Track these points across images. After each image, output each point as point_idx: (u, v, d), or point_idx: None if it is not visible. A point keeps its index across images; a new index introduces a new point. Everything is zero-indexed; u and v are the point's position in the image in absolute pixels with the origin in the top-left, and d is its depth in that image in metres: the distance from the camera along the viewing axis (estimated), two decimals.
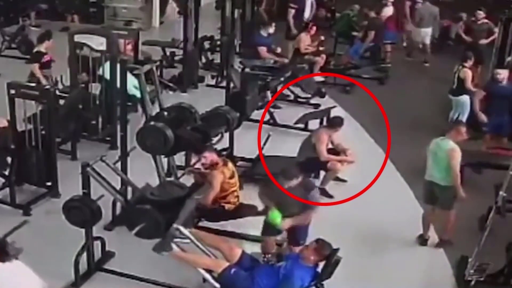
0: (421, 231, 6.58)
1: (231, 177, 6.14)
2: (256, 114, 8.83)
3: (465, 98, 9.18)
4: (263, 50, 10.55)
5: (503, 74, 8.57)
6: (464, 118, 9.23)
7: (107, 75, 8.14)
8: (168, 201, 5.52)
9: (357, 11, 13.16)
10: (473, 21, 11.84)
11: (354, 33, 12.82)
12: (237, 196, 6.26)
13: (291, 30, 12.26)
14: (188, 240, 5.32)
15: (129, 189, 6.16)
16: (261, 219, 6.21)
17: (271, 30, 10.80)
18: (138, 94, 7.34)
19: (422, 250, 6.46)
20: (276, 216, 5.50)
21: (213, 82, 10.95)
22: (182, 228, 5.26)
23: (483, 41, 11.29)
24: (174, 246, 5.29)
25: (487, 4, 12.18)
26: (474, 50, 10.01)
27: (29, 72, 8.73)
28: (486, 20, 11.48)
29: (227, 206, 6.18)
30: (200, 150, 6.27)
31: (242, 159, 7.74)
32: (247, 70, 10.02)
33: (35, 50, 9.00)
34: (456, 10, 13.30)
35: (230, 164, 6.20)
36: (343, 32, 13.00)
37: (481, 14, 11.52)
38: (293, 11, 12.63)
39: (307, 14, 12.97)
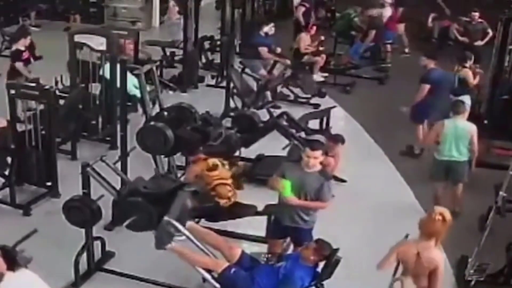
0: None
1: (210, 170, 6.08)
2: None
3: (466, 98, 9.18)
4: (264, 50, 10.52)
5: (424, 61, 8.47)
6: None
7: (107, 75, 8.14)
8: (160, 193, 5.51)
9: (359, 12, 13.13)
10: (468, 21, 11.87)
11: (353, 33, 12.83)
12: (231, 191, 6.23)
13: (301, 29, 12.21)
14: (183, 237, 5.32)
15: None
16: (261, 219, 6.23)
17: (267, 29, 10.78)
18: (138, 94, 7.35)
19: None
20: (287, 185, 5.34)
21: (213, 82, 10.95)
22: (179, 226, 5.26)
23: (479, 43, 11.37)
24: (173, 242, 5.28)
25: (486, 4, 12.21)
26: (471, 51, 10.03)
27: (7, 71, 8.80)
28: (481, 20, 11.54)
29: (221, 202, 6.16)
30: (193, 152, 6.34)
31: (242, 159, 7.73)
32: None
33: (13, 48, 9.02)
34: (455, 10, 13.30)
35: (210, 160, 6.15)
36: (342, 32, 13.00)
37: (476, 15, 11.59)
38: (303, 8, 12.62)
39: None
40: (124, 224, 5.30)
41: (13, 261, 4.15)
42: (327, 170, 5.61)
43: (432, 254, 4.71)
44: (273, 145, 7.98)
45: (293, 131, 7.73)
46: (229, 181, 6.22)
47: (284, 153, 7.56)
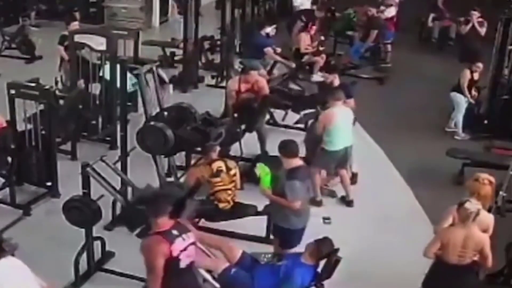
0: (420, 230, 6.62)
1: (212, 176, 6.14)
2: None
3: (457, 96, 9.19)
4: (270, 51, 10.50)
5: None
6: (459, 117, 9.24)
7: (107, 75, 8.14)
8: None
9: (361, 12, 13.07)
10: (468, 20, 11.85)
11: (350, 33, 12.85)
12: (231, 195, 6.28)
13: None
14: None
15: (129, 189, 6.16)
16: (261, 219, 6.24)
17: (269, 30, 10.77)
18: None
19: (422, 250, 6.45)
20: (267, 177, 5.47)
21: (213, 82, 10.95)
22: None
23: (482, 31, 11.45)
24: None
25: (485, 3, 12.22)
26: (472, 50, 10.06)
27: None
28: (481, 19, 11.54)
29: (220, 205, 6.20)
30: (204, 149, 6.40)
31: (242, 159, 7.74)
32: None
33: (61, 34, 9.06)
34: (455, 9, 13.30)
35: (214, 164, 6.20)
36: (341, 32, 13.01)
37: (475, 14, 11.58)
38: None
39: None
40: (135, 233, 5.29)
41: None
42: (293, 169, 5.47)
43: (481, 216, 4.89)
44: (273, 145, 7.98)
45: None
46: (230, 186, 6.24)
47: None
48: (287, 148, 5.52)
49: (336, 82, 7.94)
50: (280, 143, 5.63)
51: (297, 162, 5.47)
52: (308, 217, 5.62)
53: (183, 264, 4.32)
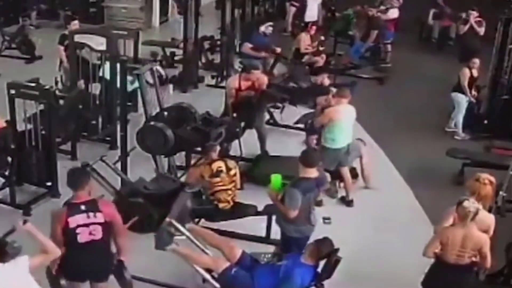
0: (420, 230, 6.61)
1: (212, 176, 6.13)
2: None
3: (458, 96, 9.19)
4: (246, 46, 10.52)
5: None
6: (459, 117, 9.24)
7: (107, 75, 8.14)
8: (161, 194, 5.49)
9: (360, 12, 13.09)
10: (466, 20, 11.85)
11: (351, 33, 12.85)
12: (231, 195, 6.28)
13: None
14: (183, 236, 5.32)
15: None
16: (261, 219, 6.24)
17: (263, 28, 10.77)
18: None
19: (422, 250, 6.45)
20: (277, 180, 5.46)
21: (213, 82, 10.95)
22: (180, 226, 5.26)
23: (481, 30, 11.41)
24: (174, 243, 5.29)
25: (485, 3, 12.23)
26: (470, 48, 10.06)
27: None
28: (479, 19, 11.55)
29: (220, 205, 6.21)
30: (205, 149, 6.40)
31: (242, 159, 7.74)
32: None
33: (61, 34, 9.06)
34: (455, 7, 13.31)
35: (214, 164, 6.18)
36: (341, 32, 13.02)
37: (473, 14, 11.60)
38: (294, 9, 12.60)
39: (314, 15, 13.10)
40: (126, 226, 5.30)
41: (2, 252, 4.17)
42: (301, 179, 5.40)
43: (482, 216, 4.90)
44: (273, 144, 7.99)
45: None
46: (230, 186, 6.24)
47: (283, 153, 7.57)
48: (306, 157, 5.45)
49: (326, 81, 7.99)
50: (302, 151, 5.60)
51: (312, 173, 5.38)
52: (309, 229, 5.53)
53: (81, 238, 4.57)
